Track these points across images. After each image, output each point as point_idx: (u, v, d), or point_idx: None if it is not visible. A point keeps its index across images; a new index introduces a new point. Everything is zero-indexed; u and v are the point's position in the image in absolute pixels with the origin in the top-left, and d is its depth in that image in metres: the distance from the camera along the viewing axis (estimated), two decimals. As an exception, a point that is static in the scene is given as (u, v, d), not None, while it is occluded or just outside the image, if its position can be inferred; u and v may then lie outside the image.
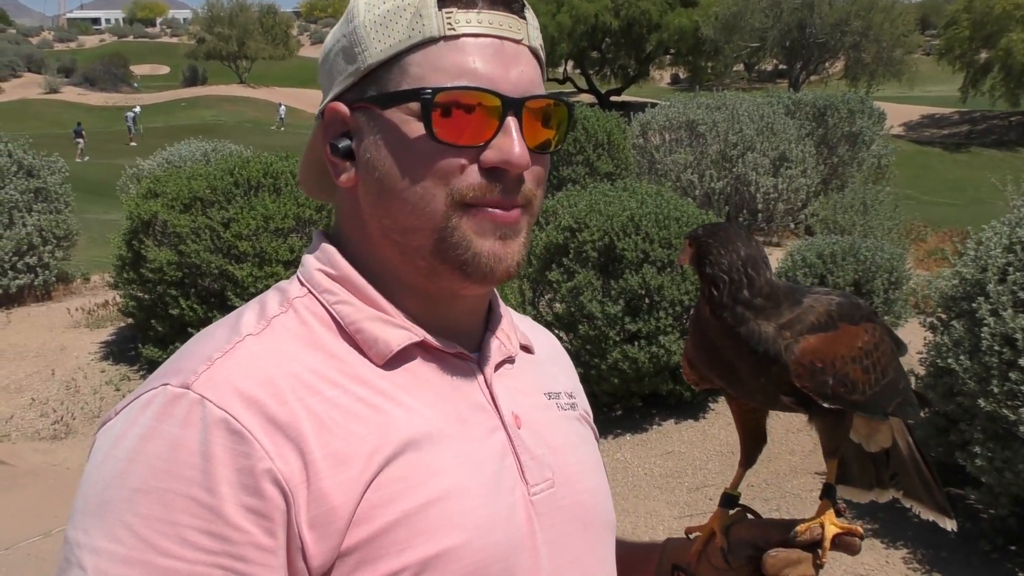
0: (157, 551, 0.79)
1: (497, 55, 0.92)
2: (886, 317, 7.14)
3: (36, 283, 10.57)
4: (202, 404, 0.83)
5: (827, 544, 1.08)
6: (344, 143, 0.97)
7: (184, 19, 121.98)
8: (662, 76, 57.73)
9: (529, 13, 0.97)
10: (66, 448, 7.14)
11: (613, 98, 46.55)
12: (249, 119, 49.29)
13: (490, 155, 0.92)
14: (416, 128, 0.92)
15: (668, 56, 50.56)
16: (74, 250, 11.28)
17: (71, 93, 58.90)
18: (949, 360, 4.89)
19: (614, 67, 49.12)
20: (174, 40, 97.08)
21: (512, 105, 0.92)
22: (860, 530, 1.11)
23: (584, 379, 1.29)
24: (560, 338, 6.67)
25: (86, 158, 32.96)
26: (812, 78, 42.36)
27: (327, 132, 0.99)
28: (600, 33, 45.67)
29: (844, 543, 1.09)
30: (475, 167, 0.92)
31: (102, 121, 50.20)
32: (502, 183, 0.93)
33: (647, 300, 6.48)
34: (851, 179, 13.70)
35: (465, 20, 0.91)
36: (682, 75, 55.61)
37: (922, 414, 5.59)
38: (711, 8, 42.43)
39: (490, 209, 0.93)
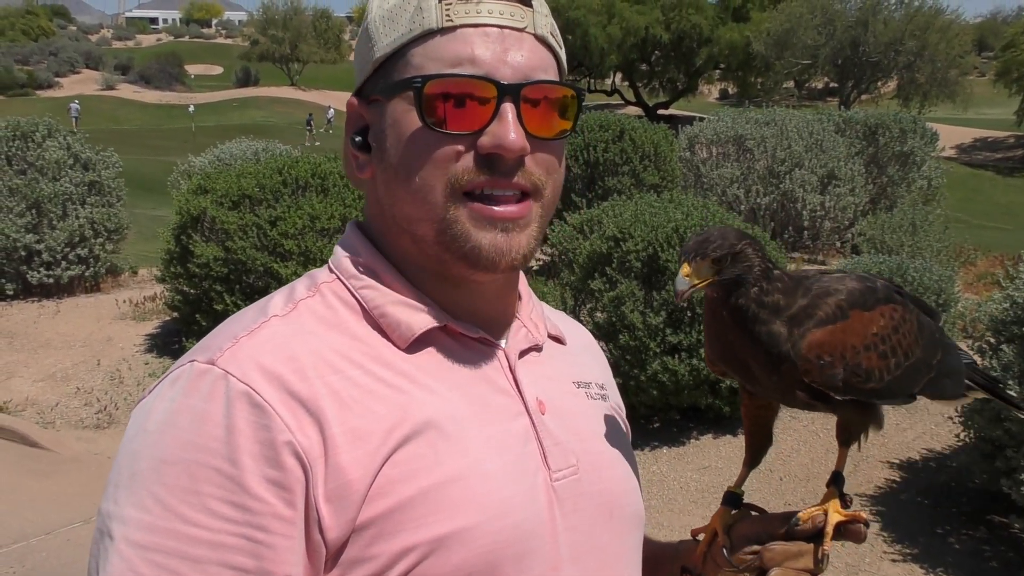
0: (182, 519, 0.82)
1: (496, 43, 0.94)
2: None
3: (86, 274, 10.77)
4: (226, 379, 0.86)
5: (830, 531, 1.05)
6: (360, 136, 1.01)
7: (239, 21, 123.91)
8: (710, 91, 57.39)
9: (537, 1, 0.98)
10: (108, 437, 7.25)
11: (660, 111, 46.38)
12: (298, 120, 49.82)
13: (485, 141, 0.93)
14: (415, 117, 0.94)
15: (717, 71, 50.32)
16: (123, 244, 11.48)
17: (127, 90, 60.05)
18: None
19: (663, 80, 48.97)
20: (228, 41, 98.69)
21: (508, 91, 0.93)
22: (864, 516, 1.07)
23: (622, 390, 1.28)
24: (600, 347, 6.64)
25: (316, 143, 37.95)
26: (863, 97, 41.80)
27: (348, 126, 1.04)
28: (650, 46, 45.58)
29: (849, 531, 1.06)
30: (471, 154, 0.93)
31: (155, 119, 51.14)
32: (498, 168, 0.94)
33: (689, 312, 6.44)
34: (900, 199, 13.49)
35: (464, 11, 0.93)
36: (731, 90, 55.25)
37: (968, 439, 5.47)
38: (763, 24, 42.12)
39: (490, 205, 0.94)
